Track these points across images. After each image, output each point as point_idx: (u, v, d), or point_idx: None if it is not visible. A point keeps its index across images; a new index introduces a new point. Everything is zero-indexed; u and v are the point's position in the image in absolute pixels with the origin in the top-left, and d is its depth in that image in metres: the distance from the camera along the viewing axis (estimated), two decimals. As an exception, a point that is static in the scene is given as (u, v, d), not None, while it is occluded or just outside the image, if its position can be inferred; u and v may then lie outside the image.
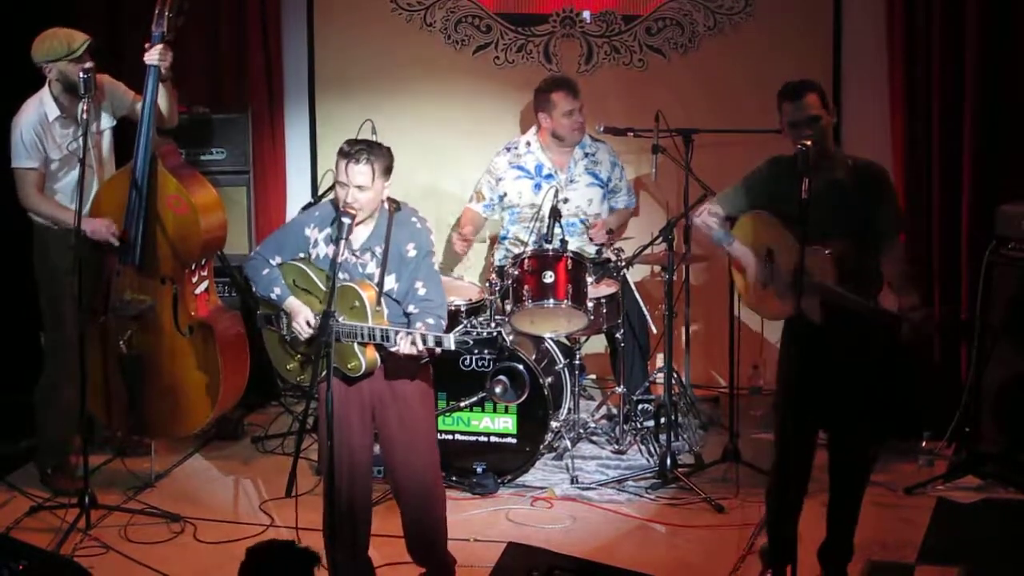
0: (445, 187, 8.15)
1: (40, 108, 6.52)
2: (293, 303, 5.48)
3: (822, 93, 5.61)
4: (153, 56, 6.42)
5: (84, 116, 6.20)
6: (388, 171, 5.38)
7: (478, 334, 5.21)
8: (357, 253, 5.41)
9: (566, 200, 7.30)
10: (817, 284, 5.33)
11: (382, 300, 5.38)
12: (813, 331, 5.40)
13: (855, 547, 5.70)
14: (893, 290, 5.47)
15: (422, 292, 5.40)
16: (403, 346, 5.23)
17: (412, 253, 5.42)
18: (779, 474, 5.64)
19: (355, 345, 5.33)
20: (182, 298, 6.57)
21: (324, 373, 5.25)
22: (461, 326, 5.43)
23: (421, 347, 5.24)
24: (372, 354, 5.36)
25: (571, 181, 7.49)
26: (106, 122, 6.72)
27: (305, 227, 5.54)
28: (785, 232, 5.46)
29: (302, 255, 5.51)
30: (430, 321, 5.35)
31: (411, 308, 5.41)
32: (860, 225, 5.44)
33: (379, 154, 5.35)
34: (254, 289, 5.61)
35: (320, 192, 7.61)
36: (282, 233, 5.68)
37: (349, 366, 5.36)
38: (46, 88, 6.54)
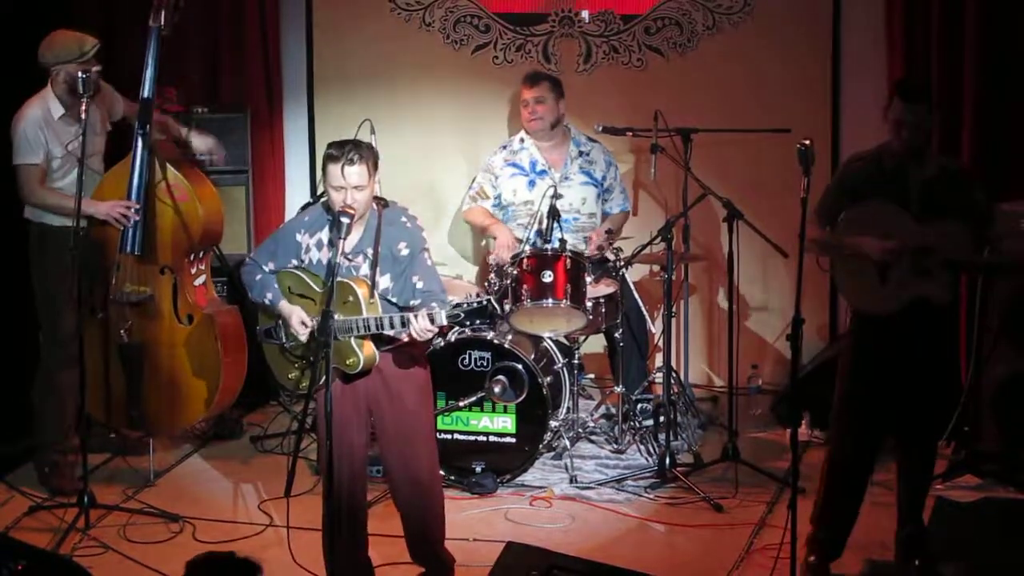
0: (443, 186, 8.15)
1: (44, 105, 6.55)
2: (284, 307, 5.47)
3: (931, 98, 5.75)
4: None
5: (84, 115, 6.22)
6: (377, 167, 5.40)
7: (468, 305, 5.20)
8: (350, 256, 5.40)
9: (560, 196, 7.30)
10: (951, 259, 5.52)
11: (375, 295, 5.37)
12: (921, 318, 5.58)
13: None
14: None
15: (420, 285, 5.40)
16: (419, 323, 5.21)
17: (404, 252, 5.41)
18: (849, 464, 5.76)
19: (352, 341, 5.33)
20: (181, 288, 6.60)
21: (324, 375, 5.24)
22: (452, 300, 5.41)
23: (427, 327, 5.22)
24: (370, 350, 5.36)
25: (565, 179, 7.49)
26: (106, 126, 6.75)
27: (296, 232, 5.53)
28: (902, 218, 5.55)
29: (294, 261, 5.51)
30: (434, 305, 5.34)
31: (412, 302, 5.41)
32: (960, 219, 5.62)
33: (368, 152, 5.36)
34: (249, 295, 5.60)
35: (319, 191, 7.60)
36: (274, 239, 5.66)
37: (348, 362, 5.36)
38: (48, 88, 6.55)
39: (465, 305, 5.20)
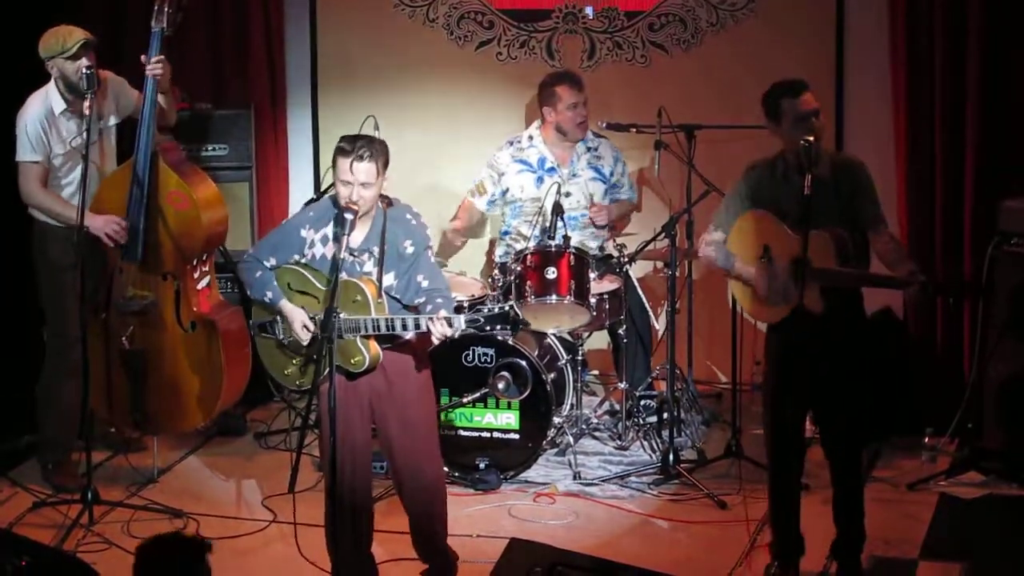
0: (447, 183, 8.14)
1: (47, 102, 6.53)
2: (286, 307, 5.45)
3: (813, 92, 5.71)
4: (156, 70, 6.43)
5: (88, 113, 6.21)
6: (387, 165, 5.39)
7: (489, 311, 5.20)
8: (355, 253, 5.40)
9: (568, 194, 7.30)
10: (820, 269, 5.39)
11: (383, 294, 5.38)
12: (808, 326, 5.45)
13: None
14: (889, 267, 5.56)
15: (425, 284, 5.40)
16: (438, 328, 5.19)
17: (410, 250, 5.41)
18: (777, 469, 5.69)
19: (358, 340, 5.33)
20: (184, 294, 6.58)
21: (327, 371, 5.24)
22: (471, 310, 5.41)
23: (445, 332, 5.21)
24: (375, 348, 5.36)
25: (573, 175, 7.49)
26: (111, 120, 6.73)
27: (300, 228, 5.52)
28: (780, 226, 5.51)
29: (297, 257, 5.50)
30: (439, 301, 5.34)
31: (417, 300, 5.40)
32: (844, 217, 5.53)
33: (379, 149, 5.36)
34: (248, 292, 5.59)
35: (323, 188, 7.60)
36: (276, 235, 5.65)
37: (353, 361, 5.36)
38: (52, 83, 6.54)
39: (486, 311, 5.20)
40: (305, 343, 5.43)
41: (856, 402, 5.61)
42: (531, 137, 7.59)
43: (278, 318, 5.51)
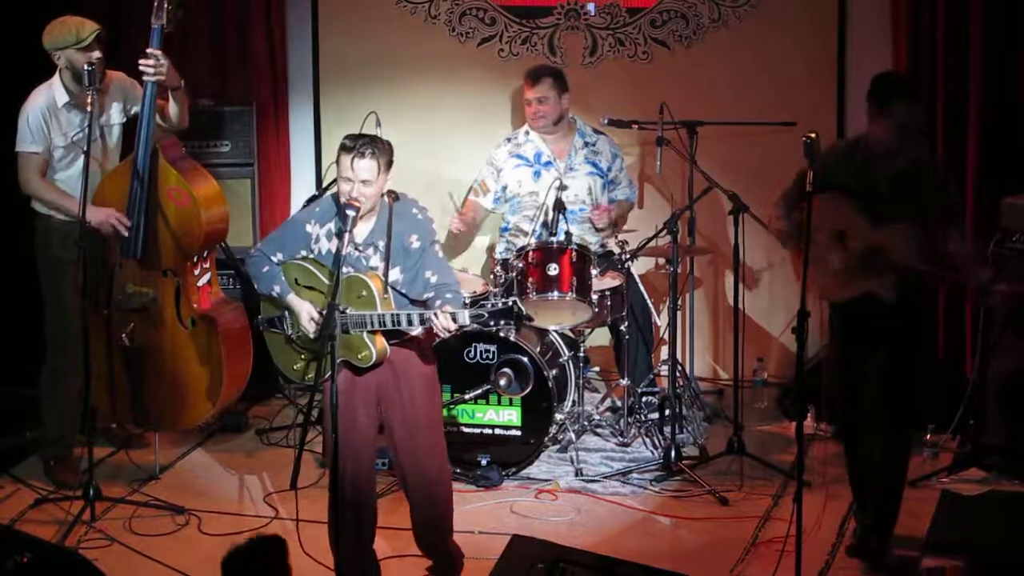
0: (449, 179, 8.14)
1: (50, 93, 6.53)
2: (294, 300, 5.46)
3: None
4: (148, 72, 6.41)
5: (89, 108, 6.21)
6: (390, 165, 5.39)
7: (493, 306, 5.20)
8: (360, 247, 5.40)
9: (565, 187, 7.29)
10: (894, 262, 5.52)
11: (389, 290, 5.38)
12: (876, 312, 5.61)
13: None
14: (962, 269, 5.69)
15: (434, 280, 5.40)
16: (442, 322, 5.20)
17: (416, 244, 5.42)
18: (851, 453, 5.93)
19: (364, 335, 5.33)
20: (184, 290, 6.57)
21: (330, 368, 5.24)
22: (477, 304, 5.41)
23: (449, 326, 5.20)
24: (382, 343, 5.36)
25: (570, 169, 7.49)
26: (117, 118, 6.70)
27: (306, 224, 5.53)
28: (856, 216, 5.59)
29: (303, 252, 5.50)
30: (448, 296, 5.34)
31: (426, 295, 5.40)
32: (925, 212, 5.64)
33: (382, 148, 5.36)
34: (256, 286, 5.60)
35: (324, 185, 7.60)
36: (283, 230, 5.66)
37: (360, 356, 5.35)
38: (57, 75, 6.54)
39: (490, 306, 5.19)
40: (313, 336, 5.43)
41: (903, 392, 5.74)
42: (527, 132, 7.60)
43: (286, 313, 5.52)
